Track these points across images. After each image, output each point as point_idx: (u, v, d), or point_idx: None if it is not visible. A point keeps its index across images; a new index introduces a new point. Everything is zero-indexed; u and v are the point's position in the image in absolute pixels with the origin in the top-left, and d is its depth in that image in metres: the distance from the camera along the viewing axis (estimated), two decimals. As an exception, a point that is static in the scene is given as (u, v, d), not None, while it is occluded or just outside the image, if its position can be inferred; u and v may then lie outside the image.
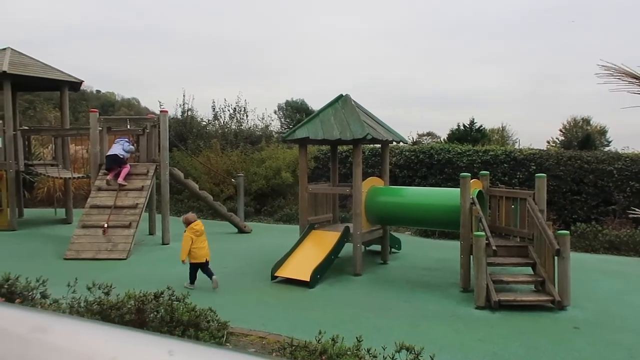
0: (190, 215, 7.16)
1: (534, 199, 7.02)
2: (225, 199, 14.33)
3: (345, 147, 13.67)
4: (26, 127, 13.66)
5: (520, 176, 12.64)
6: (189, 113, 18.36)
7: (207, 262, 6.92)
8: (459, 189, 7.17)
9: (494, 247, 6.41)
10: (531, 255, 6.91)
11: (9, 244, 9.99)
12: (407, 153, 13.92)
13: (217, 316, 4.87)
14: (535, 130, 43.86)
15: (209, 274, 6.92)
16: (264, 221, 13.90)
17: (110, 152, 10.38)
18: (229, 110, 18.68)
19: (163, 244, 10.11)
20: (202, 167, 15.00)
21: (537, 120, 47.63)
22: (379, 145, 13.27)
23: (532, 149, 13.55)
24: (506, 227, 7.58)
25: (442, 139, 27.67)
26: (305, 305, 6.29)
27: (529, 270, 6.97)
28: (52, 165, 12.54)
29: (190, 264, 6.87)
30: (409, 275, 7.92)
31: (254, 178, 14.62)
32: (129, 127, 11.38)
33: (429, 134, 33.82)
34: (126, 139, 10.86)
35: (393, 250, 9.41)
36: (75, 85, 13.22)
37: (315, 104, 34.62)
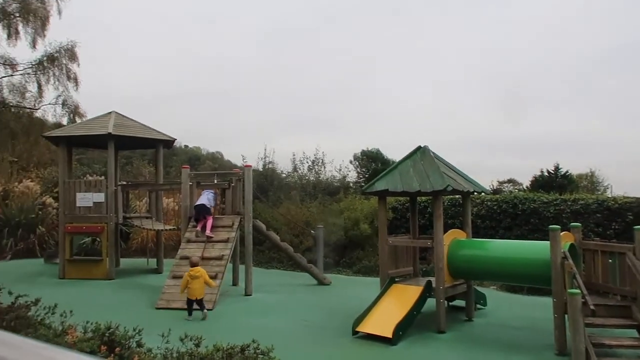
0: (195, 259, 9.02)
1: (634, 253, 6.49)
2: (304, 250, 14.54)
3: (424, 198, 13.51)
4: (124, 182, 14.89)
5: (616, 227, 11.73)
6: (270, 166, 19.16)
7: (197, 300, 8.44)
8: (548, 241, 6.81)
9: (592, 307, 5.95)
10: (635, 316, 6.32)
11: (107, 292, 10.75)
12: (488, 203, 13.47)
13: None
14: (628, 176, 40.60)
15: (201, 307, 8.44)
16: (343, 273, 13.88)
17: (198, 202, 11.06)
18: (307, 162, 19.28)
19: (246, 294, 10.38)
20: (282, 219, 15.42)
21: (629, 164, 44.22)
22: (458, 195, 13.01)
23: (627, 197, 12.58)
24: (604, 284, 7.03)
25: (524, 187, 26.49)
26: (388, 363, 6.14)
27: (634, 332, 6.36)
28: (146, 217, 13.50)
29: (187, 298, 8.52)
30: (497, 335, 7.50)
31: (332, 229, 14.77)
32: (216, 181, 12.08)
33: (510, 181, 32.55)
34: (212, 191, 11.54)
35: (478, 306, 8.99)
36: (168, 143, 14.35)
37: (391, 154, 34.63)
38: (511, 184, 30.41)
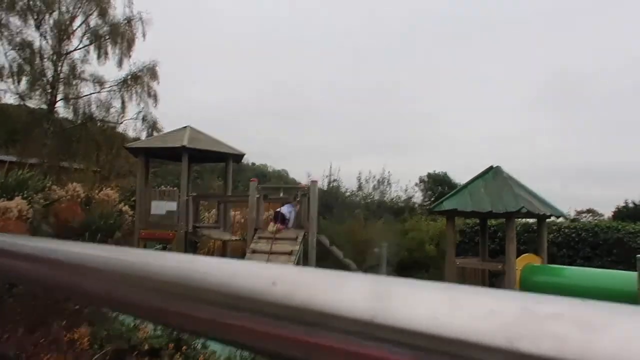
0: None
1: None
2: (367, 268, 14.35)
3: (494, 221, 12.96)
4: (194, 194, 15.47)
5: None
6: (334, 184, 19.24)
7: None
8: (634, 272, 6.27)
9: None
10: None
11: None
12: (566, 230, 12.69)
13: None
14: None
15: None
16: (405, 294, 13.54)
17: (280, 210, 11.45)
18: (372, 182, 19.18)
19: (307, 309, 10.38)
20: (345, 236, 15.35)
21: None
22: (532, 221, 12.35)
23: None
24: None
25: (605, 217, 24.74)
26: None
27: None
28: (215, 228, 13.92)
29: None
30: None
31: (396, 249, 14.50)
32: (281, 194, 12.28)
33: (589, 211, 30.52)
34: (292, 206, 11.75)
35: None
36: (238, 157, 14.81)
37: (459, 178, 33.63)
38: (590, 214, 28.49)
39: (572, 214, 26.25)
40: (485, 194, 7.91)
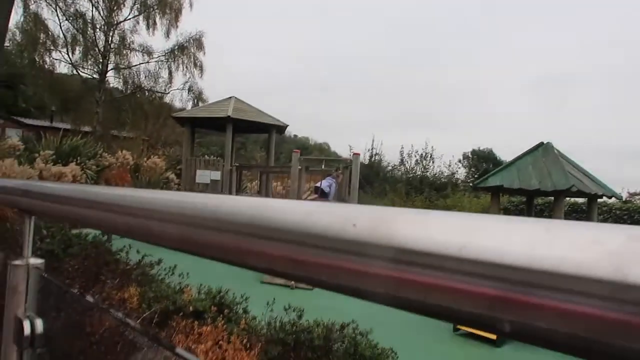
0: None
1: None
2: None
3: (540, 200, 12.58)
4: (237, 164, 15.76)
5: None
6: (376, 158, 19.12)
7: None
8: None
9: None
10: None
11: (220, 265, 11.48)
12: (617, 212, 12.19)
13: (397, 357, 4.84)
14: None
15: None
16: (445, 271, 13.48)
17: (319, 184, 11.54)
18: (415, 157, 18.94)
19: (345, 280, 10.51)
20: (385, 210, 15.36)
21: None
22: (581, 200, 11.92)
23: None
24: None
25: (662, 200, 23.54)
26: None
27: None
28: (256, 198, 14.22)
29: None
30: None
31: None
32: (323, 167, 12.32)
33: (643, 192, 29.11)
34: (332, 179, 11.75)
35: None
36: (281, 128, 14.91)
37: (504, 156, 32.68)
38: (645, 195, 27.16)
39: (625, 195, 25.12)
40: (533, 170, 7.67)
